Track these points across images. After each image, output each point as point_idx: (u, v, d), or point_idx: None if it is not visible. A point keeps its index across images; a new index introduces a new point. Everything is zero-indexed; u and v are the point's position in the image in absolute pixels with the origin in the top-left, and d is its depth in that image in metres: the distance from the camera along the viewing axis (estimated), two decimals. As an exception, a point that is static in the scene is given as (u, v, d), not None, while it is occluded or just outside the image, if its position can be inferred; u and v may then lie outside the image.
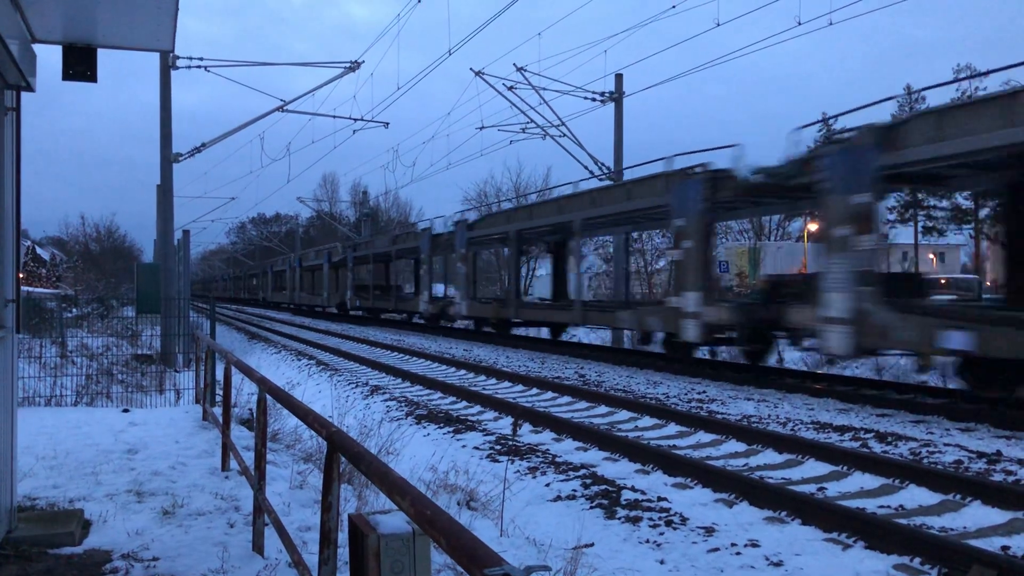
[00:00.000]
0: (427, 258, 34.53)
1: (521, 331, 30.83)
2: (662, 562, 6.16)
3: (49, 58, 5.97)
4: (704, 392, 15.03)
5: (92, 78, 5.87)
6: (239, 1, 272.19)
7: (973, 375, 12.52)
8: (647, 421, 11.95)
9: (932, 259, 66.20)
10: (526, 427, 11.53)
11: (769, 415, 12.33)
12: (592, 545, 6.37)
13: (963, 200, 54.51)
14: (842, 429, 11.03)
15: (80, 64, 5.84)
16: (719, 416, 12.10)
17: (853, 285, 12.91)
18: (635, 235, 39.90)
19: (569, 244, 28.90)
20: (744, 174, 16.11)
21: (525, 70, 26.43)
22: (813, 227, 64.36)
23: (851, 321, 12.89)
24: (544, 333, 30.76)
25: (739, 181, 16.19)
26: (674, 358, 18.91)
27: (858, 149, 12.92)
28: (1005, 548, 6.19)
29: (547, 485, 8.38)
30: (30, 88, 5.32)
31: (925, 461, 9.03)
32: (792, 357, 21.70)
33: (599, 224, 23.92)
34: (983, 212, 55.80)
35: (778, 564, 6.00)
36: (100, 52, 5.96)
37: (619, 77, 27.97)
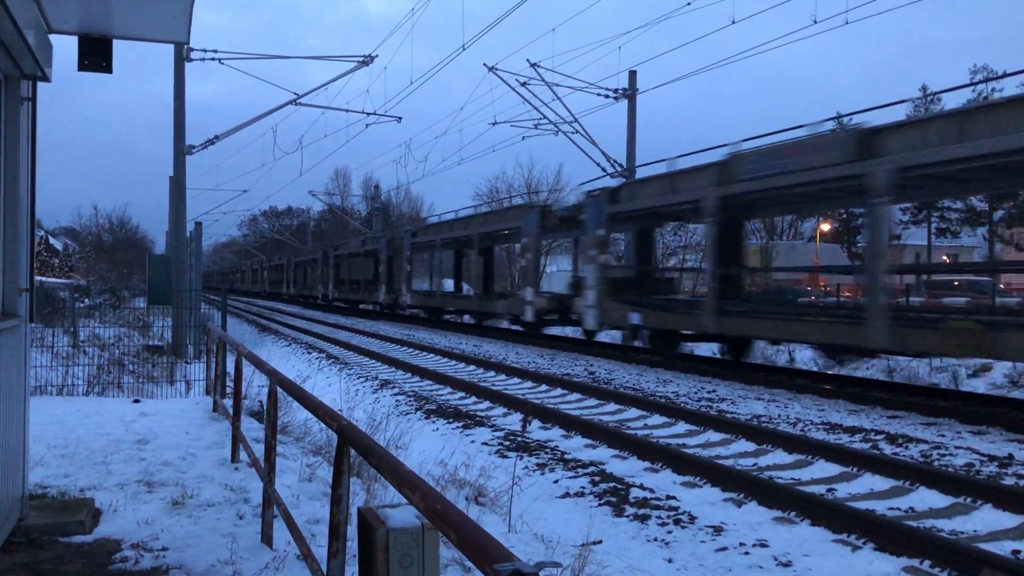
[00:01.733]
0: (533, 243, 26.49)
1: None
2: (670, 560, 6.15)
3: (65, 48, 5.99)
4: (714, 391, 15.00)
5: (107, 69, 5.89)
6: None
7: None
8: (656, 419, 11.93)
9: (945, 260, 65.81)
10: (535, 423, 11.53)
11: (779, 415, 12.30)
12: (600, 542, 6.36)
13: (978, 202, 54.14)
14: (852, 430, 10.99)
15: (96, 55, 5.86)
16: (729, 415, 12.07)
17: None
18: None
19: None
20: None
21: (539, 66, 26.37)
22: (826, 227, 64.09)
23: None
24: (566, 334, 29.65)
25: None
26: None
27: None
28: (1016, 552, 6.16)
29: (556, 482, 8.38)
30: (46, 78, 5.34)
31: (936, 463, 8.99)
32: (803, 357, 21.63)
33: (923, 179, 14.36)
34: (997, 214, 55.46)
35: (787, 564, 5.99)
36: (116, 43, 5.98)
37: (633, 74, 27.90)
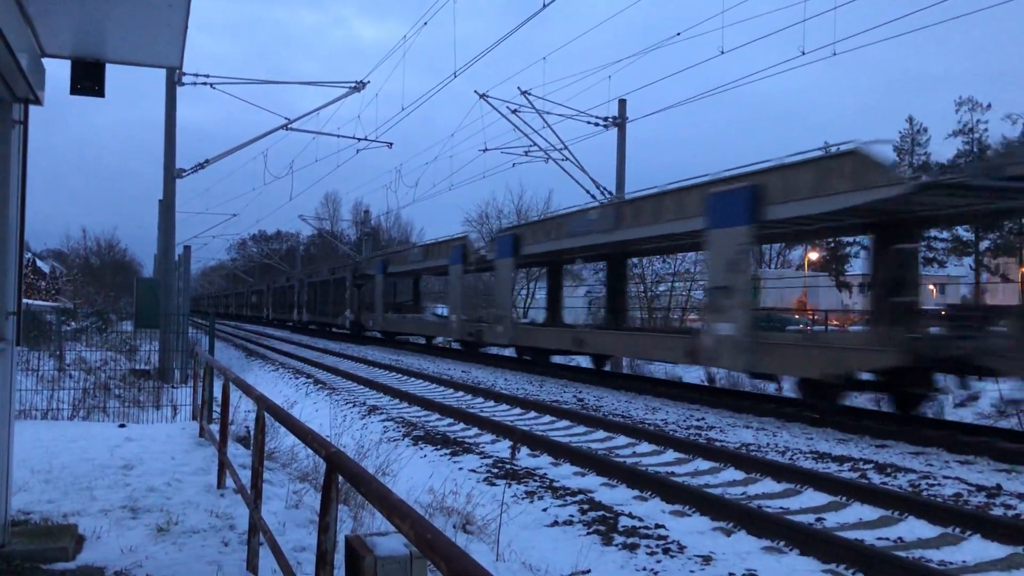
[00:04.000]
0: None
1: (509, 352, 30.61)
2: (659, 590, 6.11)
3: (57, 72, 6.00)
4: (703, 419, 14.98)
5: (100, 93, 5.89)
6: (249, 19, 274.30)
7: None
8: (645, 447, 11.90)
9: (932, 290, 66.25)
10: (524, 451, 11.48)
11: (768, 443, 12.29)
12: (589, 572, 6.32)
13: (964, 232, 54.63)
14: (841, 459, 10.98)
15: (88, 79, 5.87)
16: (718, 443, 12.05)
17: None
18: (634, 260, 39.40)
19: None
20: None
21: (529, 94, 26.54)
22: (814, 255, 64.38)
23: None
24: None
25: None
26: None
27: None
28: (1005, 583, 6.15)
29: (544, 510, 8.33)
30: (38, 101, 5.34)
31: (924, 493, 8.99)
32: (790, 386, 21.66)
33: None
34: (983, 244, 55.94)
35: (776, 595, 5.96)
36: (108, 67, 5.99)
37: (623, 102, 28.11)
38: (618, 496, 8.94)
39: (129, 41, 5.72)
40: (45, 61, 5.64)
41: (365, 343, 42.18)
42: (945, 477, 9.86)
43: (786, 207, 14.91)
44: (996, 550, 6.92)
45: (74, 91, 5.87)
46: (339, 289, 47.67)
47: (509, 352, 30.67)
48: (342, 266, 49.17)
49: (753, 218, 15.33)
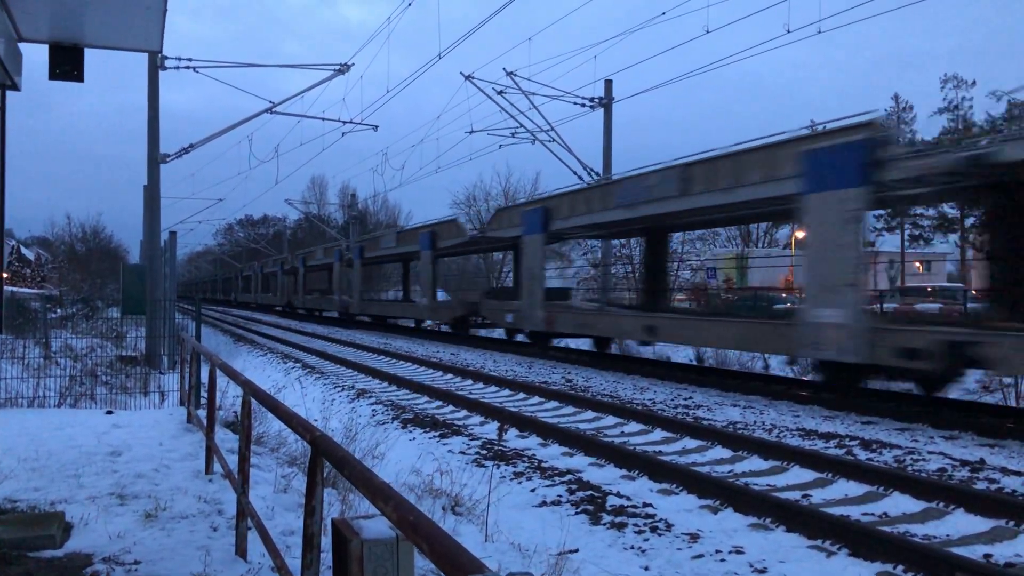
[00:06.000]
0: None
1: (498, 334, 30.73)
2: (647, 568, 6.16)
3: (36, 57, 5.94)
4: (690, 398, 15.06)
5: (79, 78, 5.82)
6: (235, 2, 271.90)
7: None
8: (633, 427, 11.96)
9: (918, 267, 66.58)
10: (512, 432, 11.52)
11: (755, 421, 12.37)
12: (577, 551, 6.36)
13: (949, 209, 54.89)
14: (827, 436, 11.07)
15: (67, 63, 5.79)
16: (705, 422, 12.12)
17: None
18: (621, 240, 39.38)
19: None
20: None
21: (515, 75, 26.41)
22: (800, 234, 64.56)
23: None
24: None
25: None
26: None
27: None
28: (987, 556, 6.23)
29: (532, 490, 8.37)
30: (15, 87, 5.28)
31: (909, 469, 9.07)
32: (777, 361, 21.78)
33: None
34: (969, 221, 56.24)
35: (762, 571, 6.02)
36: (88, 52, 5.93)
37: (608, 83, 28.03)
38: (606, 476, 8.98)
39: (107, 25, 5.66)
40: (23, 46, 5.58)
41: (353, 327, 42.17)
42: (930, 452, 9.96)
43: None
44: (980, 523, 7.00)
45: (53, 76, 5.80)
46: (328, 273, 48.15)
47: (498, 333, 30.80)
48: (330, 247, 49.61)
49: (867, 179, 12.82)
